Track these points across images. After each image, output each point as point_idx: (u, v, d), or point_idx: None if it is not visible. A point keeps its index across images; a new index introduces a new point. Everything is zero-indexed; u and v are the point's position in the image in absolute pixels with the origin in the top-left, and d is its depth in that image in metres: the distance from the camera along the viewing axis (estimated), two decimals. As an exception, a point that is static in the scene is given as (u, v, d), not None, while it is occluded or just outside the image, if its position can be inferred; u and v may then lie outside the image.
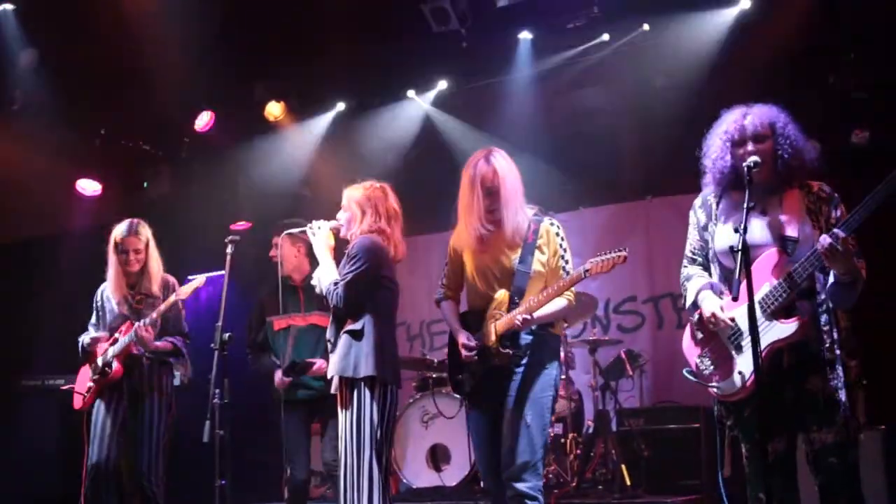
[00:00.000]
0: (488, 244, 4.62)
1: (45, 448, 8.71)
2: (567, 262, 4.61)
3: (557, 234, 4.63)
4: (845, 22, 7.49)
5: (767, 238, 3.89)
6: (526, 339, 4.54)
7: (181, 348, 6.10)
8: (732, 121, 4.02)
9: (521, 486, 4.36)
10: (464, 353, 4.59)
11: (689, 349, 4.12)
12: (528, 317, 4.40)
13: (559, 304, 4.52)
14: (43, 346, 9.52)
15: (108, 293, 6.17)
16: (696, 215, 4.20)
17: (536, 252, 4.56)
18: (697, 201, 4.22)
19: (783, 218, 3.90)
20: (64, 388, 6.32)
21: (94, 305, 6.26)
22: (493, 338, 4.52)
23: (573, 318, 7.40)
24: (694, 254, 4.19)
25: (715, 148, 4.05)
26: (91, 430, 5.96)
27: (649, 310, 8.76)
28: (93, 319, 6.28)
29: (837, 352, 3.79)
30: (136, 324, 5.84)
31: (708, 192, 4.18)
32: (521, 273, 4.54)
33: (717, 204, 4.12)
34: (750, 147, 3.91)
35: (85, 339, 6.17)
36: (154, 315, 5.88)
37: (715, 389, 3.97)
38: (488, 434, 4.59)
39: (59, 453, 8.64)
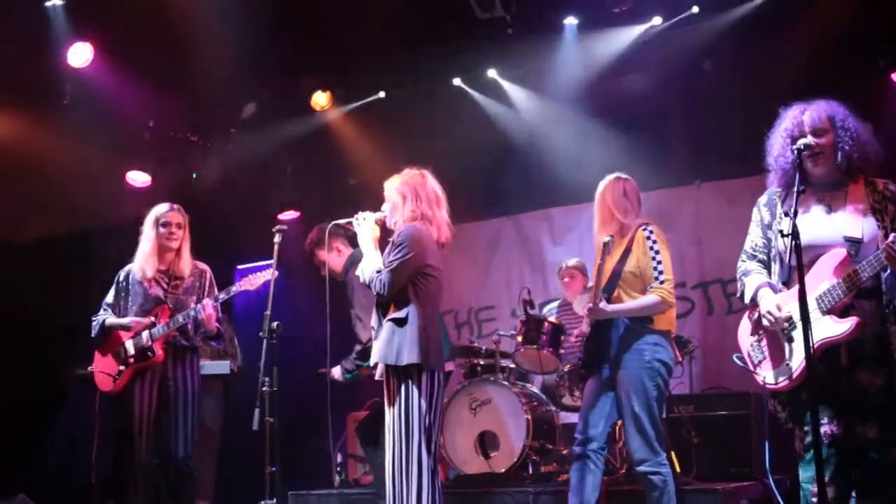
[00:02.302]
0: (605, 254, 5.21)
1: (94, 436, 8.84)
2: (659, 262, 5.08)
3: (648, 238, 5.12)
4: (894, 4, 7.36)
5: (833, 237, 3.86)
6: (620, 331, 5.07)
7: (223, 333, 6.25)
8: (791, 118, 4.02)
9: (642, 468, 4.98)
10: (571, 338, 5.56)
11: (744, 336, 4.14)
12: (591, 305, 5.05)
13: (647, 300, 5.05)
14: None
15: (135, 273, 6.18)
16: (760, 212, 4.18)
17: (630, 256, 5.09)
18: (763, 199, 4.21)
19: (848, 216, 3.87)
20: (81, 372, 6.35)
21: (116, 286, 6.26)
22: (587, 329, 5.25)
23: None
24: (755, 250, 4.17)
25: (776, 146, 4.05)
26: (128, 414, 6.03)
27: (699, 296, 8.69)
28: (109, 299, 6.26)
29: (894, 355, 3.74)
30: (205, 300, 5.92)
31: (773, 190, 4.15)
32: (615, 275, 5.12)
33: (782, 203, 4.08)
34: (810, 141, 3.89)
35: (110, 320, 6.15)
36: (223, 296, 5.99)
37: (761, 378, 3.96)
38: (590, 400, 5.18)
39: (110, 441, 8.76)
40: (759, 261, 4.14)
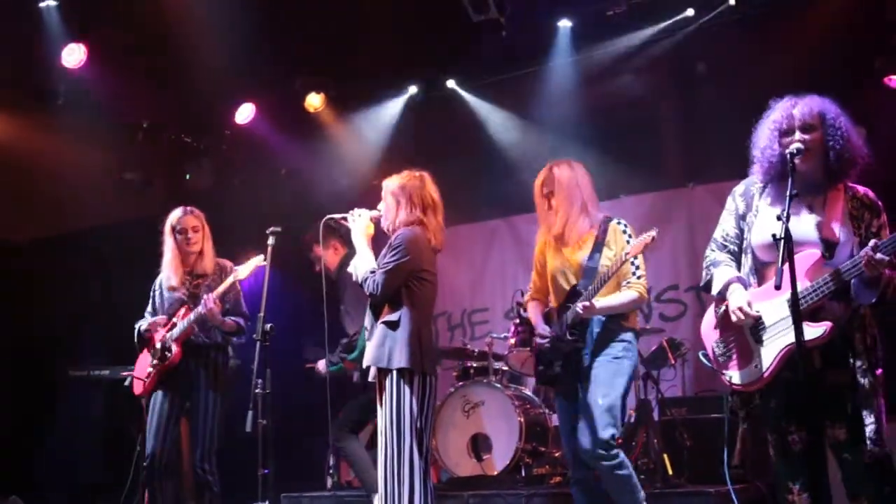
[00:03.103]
0: (563, 245, 5.05)
1: (90, 438, 8.84)
2: (636, 257, 4.89)
3: (624, 232, 5.00)
4: (891, 4, 7.38)
5: (811, 237, 3.84)
6: (596, 330, 4.93)
7: (244, 328, 6.18)
8: (781, 110, 3.97)
9: (605, 463, 4.70)
10: (537, 340, 5.10)
11: (708, 333, 4.12)
12: (588, 304, 4.79)
13: (627, 295, 4.92)
14: (88, 337, 9.65)
15: (164, 281, 6.24)
16: (735, 202, 4.14)
17: (605, 249, 4.93)
18: (739, 188, 4.16)
19: (826, 220, 3.85)
20: (125, 374, 6.38)
21: (152, 295, 6.34)
22: (564, 328, 4.94)
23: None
24: (725, 240, 4.12)
25: (763, 138, 4.00)
26: (149, 417, 6.05)
27: (691, 298, 8.70)
28: (149, 308, 6.35)
29: (862, 360, 3.75)
30: (206, 296, 5.91)
31: (751, 180, 4.12)
32: (590, 268, 4.92)
33: (760, 195, 4.06)
34: (797, 136, 3.86)
35: (142, 324, 6.24)
36: (220, 289, 5.97)
37: (727, 378, 3.97)
38: (569, 419, 4.97)
39: (103, 443, 8.76)
40: (730, 252, 4.09)
